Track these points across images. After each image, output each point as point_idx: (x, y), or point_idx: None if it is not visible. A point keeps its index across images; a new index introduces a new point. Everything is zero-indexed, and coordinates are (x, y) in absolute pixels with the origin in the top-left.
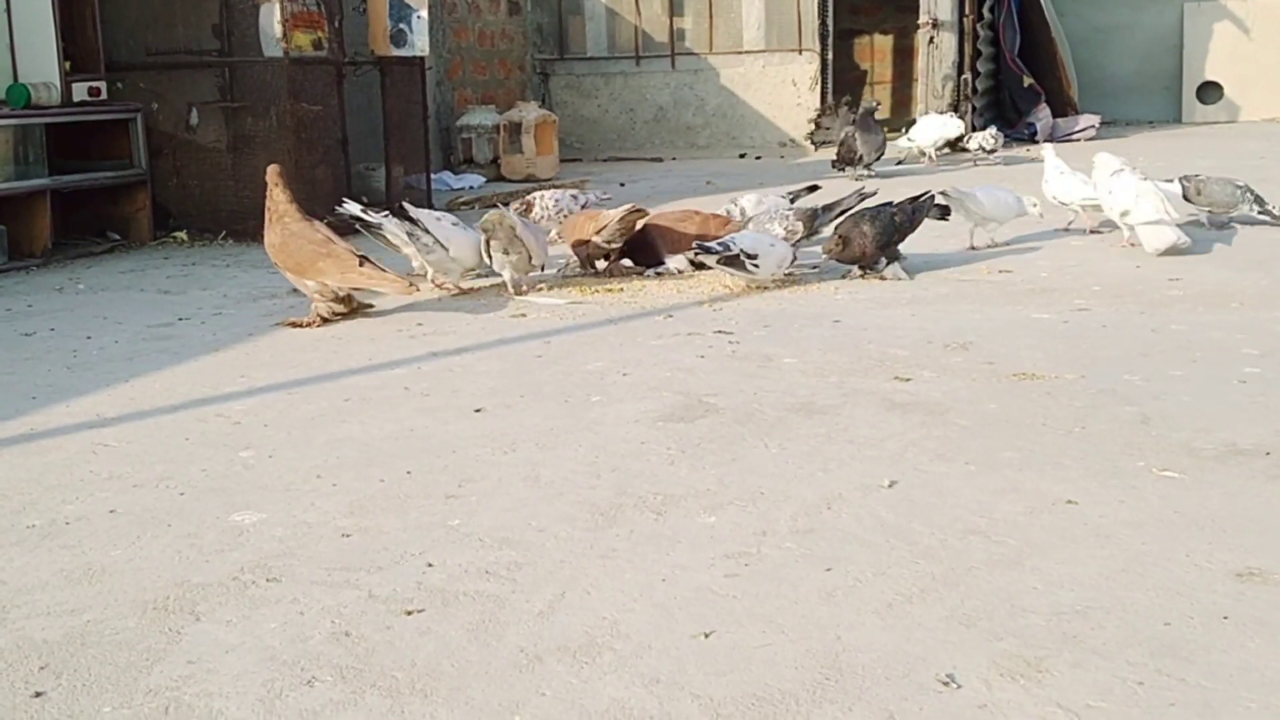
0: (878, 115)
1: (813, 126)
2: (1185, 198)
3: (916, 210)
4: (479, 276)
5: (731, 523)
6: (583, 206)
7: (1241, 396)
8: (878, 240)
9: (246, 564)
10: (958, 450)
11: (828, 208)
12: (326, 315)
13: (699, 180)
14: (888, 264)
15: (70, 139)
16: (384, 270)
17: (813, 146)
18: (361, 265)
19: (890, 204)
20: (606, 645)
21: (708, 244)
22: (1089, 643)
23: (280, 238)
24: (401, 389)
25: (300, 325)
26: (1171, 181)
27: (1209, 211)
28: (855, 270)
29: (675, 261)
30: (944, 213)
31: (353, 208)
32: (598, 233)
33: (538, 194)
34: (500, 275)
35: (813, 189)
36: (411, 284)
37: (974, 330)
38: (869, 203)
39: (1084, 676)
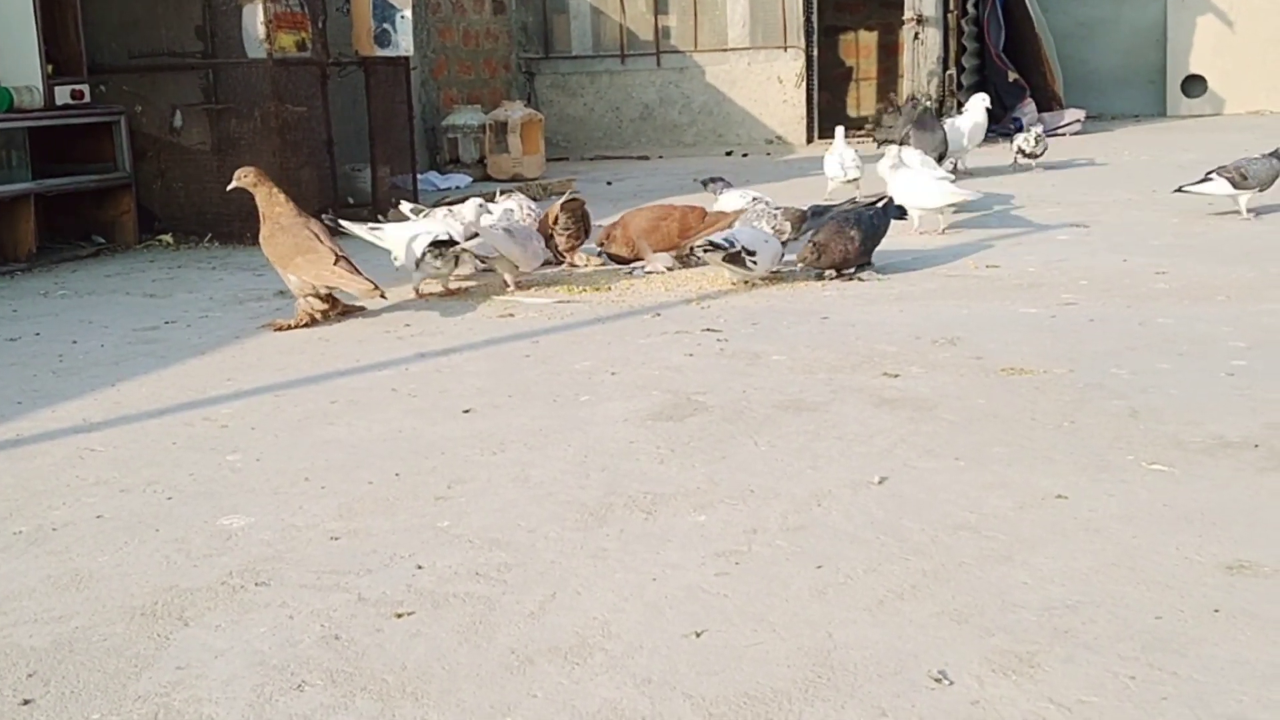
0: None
1: (874, 124)
2: (1233, 185)
3: (885, 212)
4: (477, 273)
5: (722, 521)
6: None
7: (1229, 389)
8: (864, 244)
9: (235, 568)
10: (947, 446)
11: (818, 211)
12: (312, 314)
13: (685, 178)
14: (863, 267)
15: (53, 142)
16: (356, 272)
17: (875, 143)
18: (336, 263)
19: (865, 208)
20: (598, 646)
21: (715, 240)
22: (1080, 637)
23: (269, 230)
24: (389, 390)
25: (285, 328)
26: (1212, 179)
27: (1258, 191)
28: (830, 274)
29: (660, 260)
30: (902, 213)
31: (405, 209)
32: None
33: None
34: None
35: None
36: (376, 288)
37: (962, 325)
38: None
39: (1076, 671)
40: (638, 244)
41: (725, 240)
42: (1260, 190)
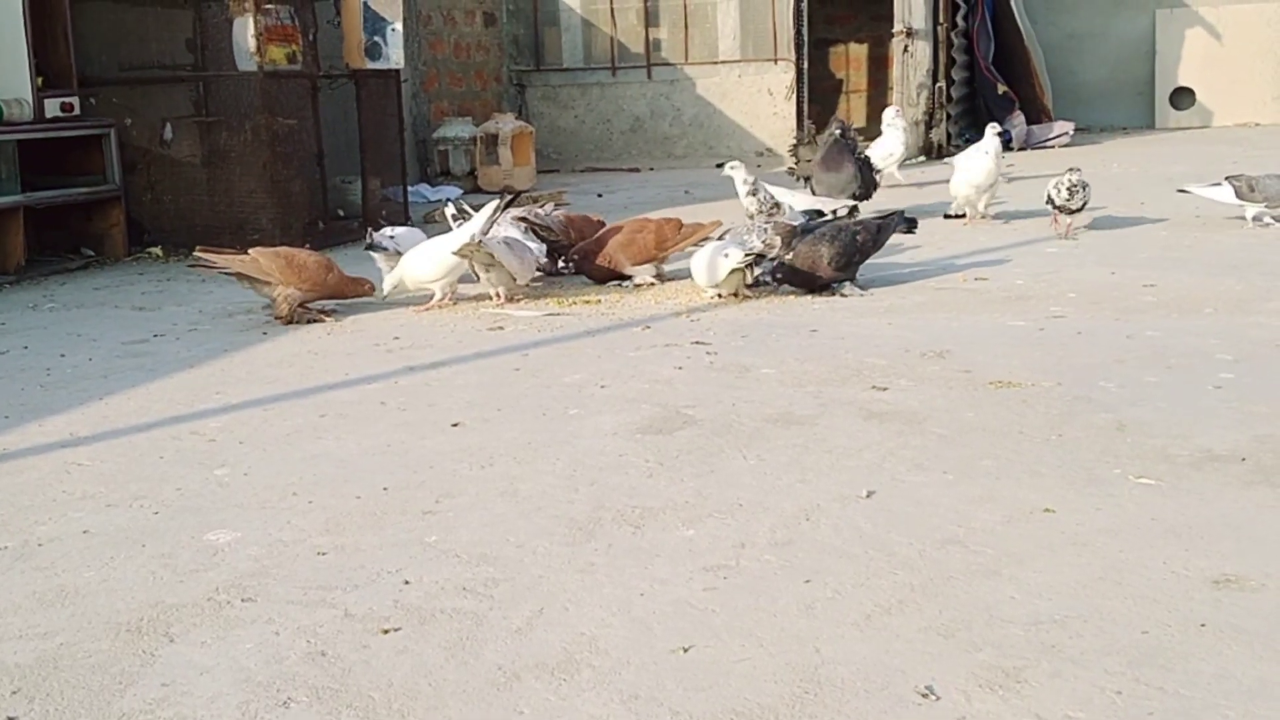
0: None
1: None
2: (1239, 196)
3: (882, 229)
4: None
5: (710, 535)
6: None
7: (1216, 402)
8: (835, 262)
9: (221, 584)
10: (935, 459)
11: (806, 228)
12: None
13: (676, 190)
14: (842, 283)
15: (43, 155)
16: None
17: (794, 176)
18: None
19: (855, 223)
20: (585, 662)
21: (751, 250)
22: (1067, 652)
23: None
24: (378, 404)
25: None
26: (1220, 185)
27: (1265, 205)
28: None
29: (645, 272)
30: (911, 226)
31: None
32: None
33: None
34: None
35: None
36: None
37: (950, 338)
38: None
39: (1062, 686)
40: (615, 258)
41: (750, 249)
42: (1268, 204)
